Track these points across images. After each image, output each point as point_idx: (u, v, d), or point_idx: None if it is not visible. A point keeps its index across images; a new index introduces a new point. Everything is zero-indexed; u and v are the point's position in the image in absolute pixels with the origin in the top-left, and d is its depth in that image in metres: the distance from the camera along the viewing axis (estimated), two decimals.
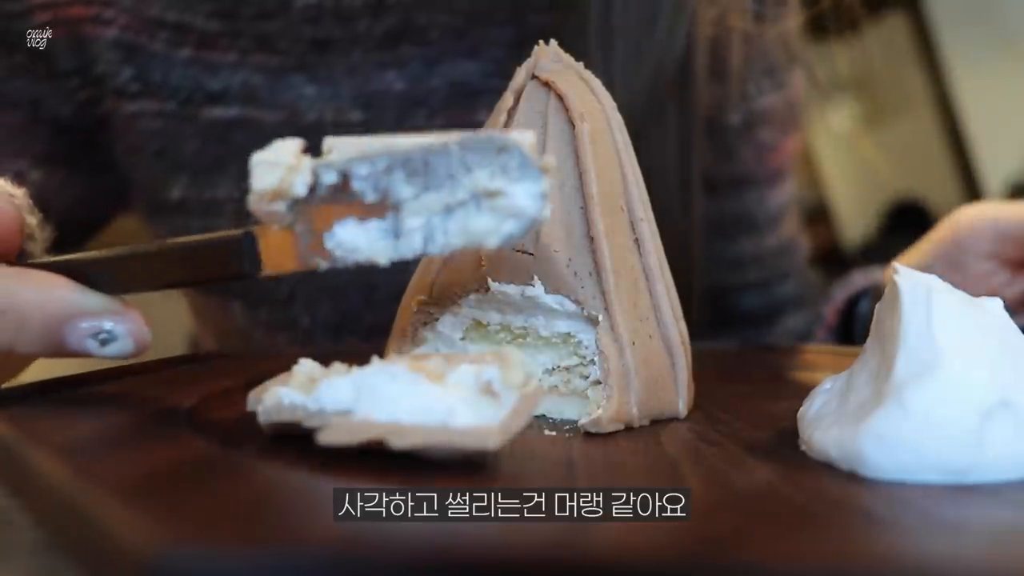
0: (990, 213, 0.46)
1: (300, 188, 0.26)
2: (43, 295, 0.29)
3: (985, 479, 0.25)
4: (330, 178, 0.26)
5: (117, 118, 0.52)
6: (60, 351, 0.29)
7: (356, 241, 0.26)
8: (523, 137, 0.25)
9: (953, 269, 0.45)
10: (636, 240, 0.34)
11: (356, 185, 0.26)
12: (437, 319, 0.35)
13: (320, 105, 0.51)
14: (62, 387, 0.33)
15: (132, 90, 0.51)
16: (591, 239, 0.33)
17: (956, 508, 0.23)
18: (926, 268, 0.47)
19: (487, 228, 0.25)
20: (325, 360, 0.28)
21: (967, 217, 0.46)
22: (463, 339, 0.35)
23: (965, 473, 0.25)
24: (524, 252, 0.33)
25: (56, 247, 0.53)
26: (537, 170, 0.25)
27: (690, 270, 0.56)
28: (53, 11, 0.50)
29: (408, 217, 0.26)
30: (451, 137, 0.25)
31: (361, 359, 0.27)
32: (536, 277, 0.33)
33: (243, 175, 0.51)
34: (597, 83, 0.36)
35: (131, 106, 0.51)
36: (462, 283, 0.34)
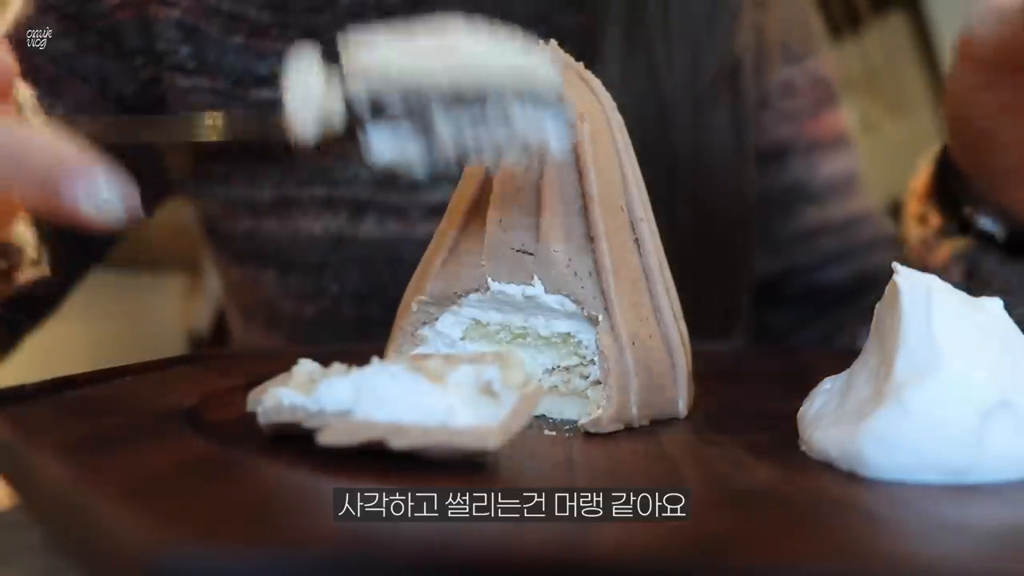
0: (982, 28, 0.43)
1: (337, 123, 0.28)
2: (47, 143, 0.29)
3: (985, 479, 0.25)
4: (361, 105, 0.28)
5: (172, 92, 0.55)
6: (53, 203, 0.29)
7: (389, 143, 0.28)
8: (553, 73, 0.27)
9: (982, 91, 0.44)
10: (636, 240, 0.34)
11: (388, 107, 0.28)
12: (437, 319, 0.35)
13: None
14: (62, 387, 0.33)
15: (189, 67, 0.54)
16: (591, 239, 0.33)
17: (956, 508, 0.23)
18: (961, 103, 0.47)
19: (512, 142, 0.28)
20: (325, 360, 0.28)
21: (965, 40, 0.44)
22: (463, 339, 0.35)
23: (965, 473, 0.25)
24: (524, 252, 0.33)
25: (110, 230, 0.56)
26: (562, 109, 0.27)
27: (748, 250, 0.58)
28: None
29: (440, 124, 0.27)
30: (484, 56, 0.27)
31: (361, 359, 0.27)
32: (536, 277, 0.33)
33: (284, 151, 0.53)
34: (597, 83, 0.36)
35: (186, 81, 0.55)
36: (462, 283, 0.34)
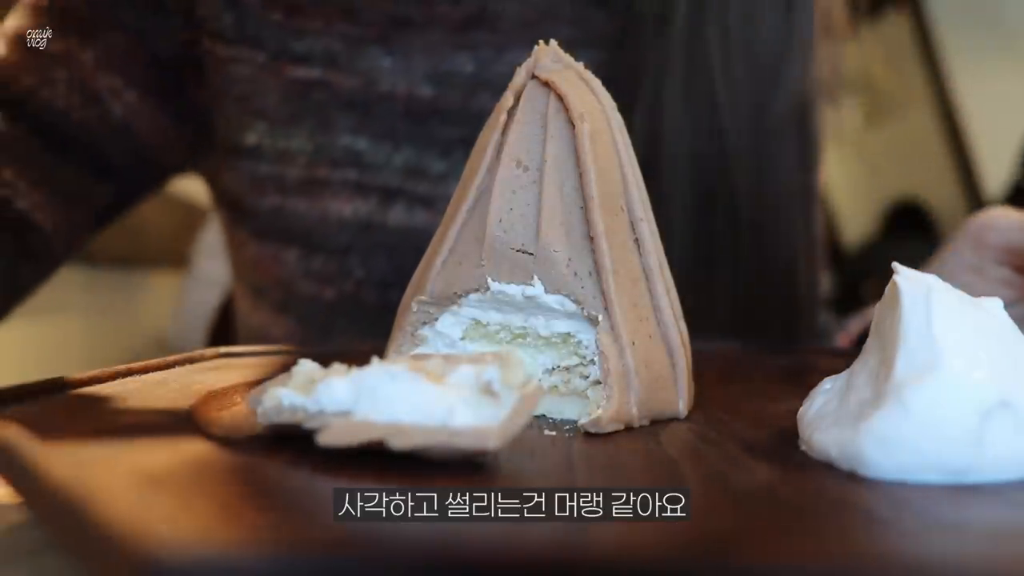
0: (1003, 222, 0.46)
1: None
2: None
3: (985, 479, 0.25)
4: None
5: (210, 60, 0.55)
6: None
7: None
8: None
9: (972, 272, 0.46)
10: (636, 240, 0.34)
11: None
12: (437, 319, 0.35)
13: (394, 78, 0.55)
14: (62, 387, 0.33)
15: (229, 36, 0.54)
16: (591, 239, 0.33)
17: (956, 508, 0.23)
18: (946, 275, 0.48)
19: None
20: (325, 360, 0.28)
21: (981, 224, 0.47)
22: (463, 339, 0.35)
23: (965, 473, 0.25)
24: (524, 252, 0.33)
25: (126, 186, 0.58)
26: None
27: (814, 294, 0.59)
28: None
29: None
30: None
31: (361, 359, 0.27)
32: (536, 277, 0.33)
33: (316, 130, 0.55)
34: (597, 83, 0.36)
35: (225, 50, 0.55)
36: (462, 283, 0.34)
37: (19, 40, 0.54)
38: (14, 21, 0.55)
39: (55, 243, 0.56)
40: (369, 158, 0.55)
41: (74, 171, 0.55)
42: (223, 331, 0.74)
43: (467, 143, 0.53)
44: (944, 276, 0.48)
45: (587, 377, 0.33)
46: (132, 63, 0.55)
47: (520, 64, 0.56)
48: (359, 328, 0.56)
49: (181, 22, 0.55)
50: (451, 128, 0.55)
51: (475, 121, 0.53)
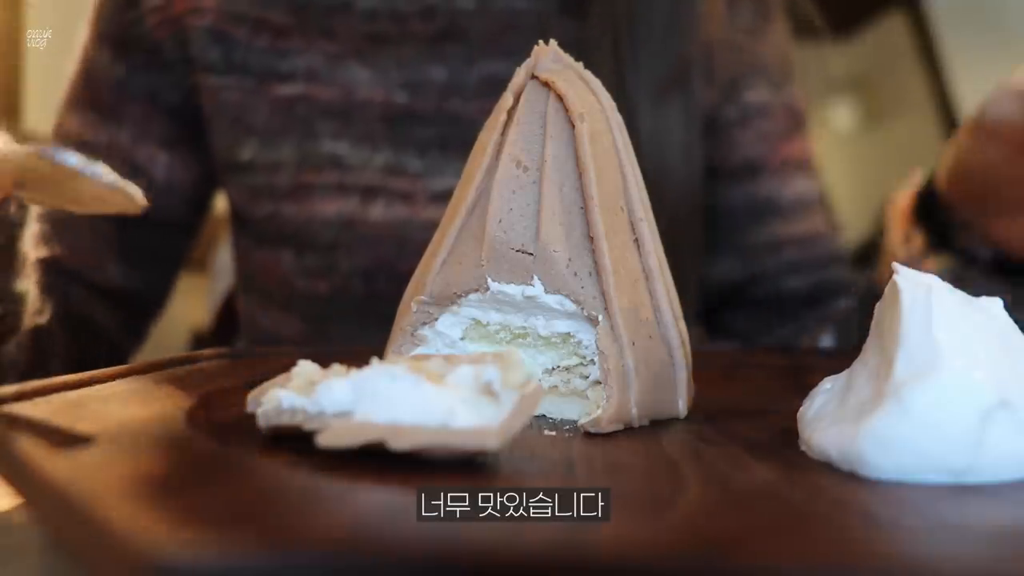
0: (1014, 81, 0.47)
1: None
2: None
3: (985, 479, 0.25)
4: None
5: (205, 92, 0.61)
6: None
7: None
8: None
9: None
10: (636, 240, 0.34)
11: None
12: (437, 319, 0.35)
13: (371, 87, 0.59)
14: (62, 387, 0.33)
15: (218, 67, 0.60)
16: (591, 239, 0.33)
17: (956, 508, 0.23)
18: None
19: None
20: (325, 361, 0.28)
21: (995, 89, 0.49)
22: (463, 339, 0.35)
23: (965, 473, 0.25)
24: (524, 252, 0.33)
25: (188, 225, 0.65)
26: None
27: (697, 254, 0.63)
28: (161, 13, 0.61)
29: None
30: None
31: (361, 360, 0.27)
32: (536, 277, 0.33)
33: (302, 140, 0.59)
34: (597, 83, 0.36)
35: (217, 81, 0.61)
36: (462, 283, 0.34)
37: (70, 141, 0.61)
38: (63, 123, 0.62)
39: (149, 295, 0.66)
40: (350, 160, 0.59)
41: (147, 235, 0.63)
42: (229, 319, 0.78)
43: (442, 142, 0.59)
44: (972, 171, 0.49)
45: (587, 377, 0.33)
46: (155, 127, 0.62)
47: (487, 72, 0.60)
48: (351, 318, 0.60)
49: (181, 69, 0.61)
50: (426, 129, 0.59)
51: (449, 123, 0.59)
